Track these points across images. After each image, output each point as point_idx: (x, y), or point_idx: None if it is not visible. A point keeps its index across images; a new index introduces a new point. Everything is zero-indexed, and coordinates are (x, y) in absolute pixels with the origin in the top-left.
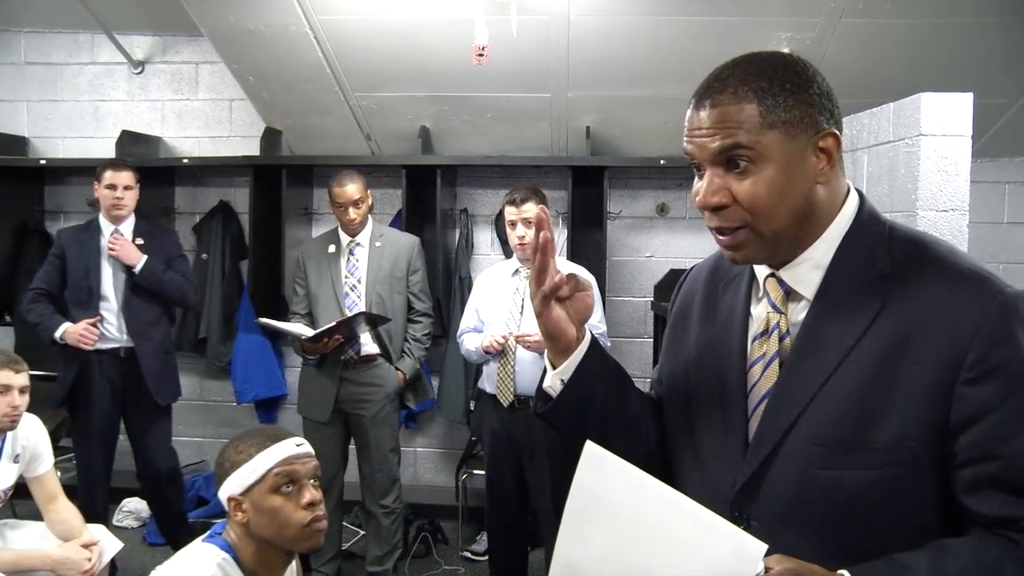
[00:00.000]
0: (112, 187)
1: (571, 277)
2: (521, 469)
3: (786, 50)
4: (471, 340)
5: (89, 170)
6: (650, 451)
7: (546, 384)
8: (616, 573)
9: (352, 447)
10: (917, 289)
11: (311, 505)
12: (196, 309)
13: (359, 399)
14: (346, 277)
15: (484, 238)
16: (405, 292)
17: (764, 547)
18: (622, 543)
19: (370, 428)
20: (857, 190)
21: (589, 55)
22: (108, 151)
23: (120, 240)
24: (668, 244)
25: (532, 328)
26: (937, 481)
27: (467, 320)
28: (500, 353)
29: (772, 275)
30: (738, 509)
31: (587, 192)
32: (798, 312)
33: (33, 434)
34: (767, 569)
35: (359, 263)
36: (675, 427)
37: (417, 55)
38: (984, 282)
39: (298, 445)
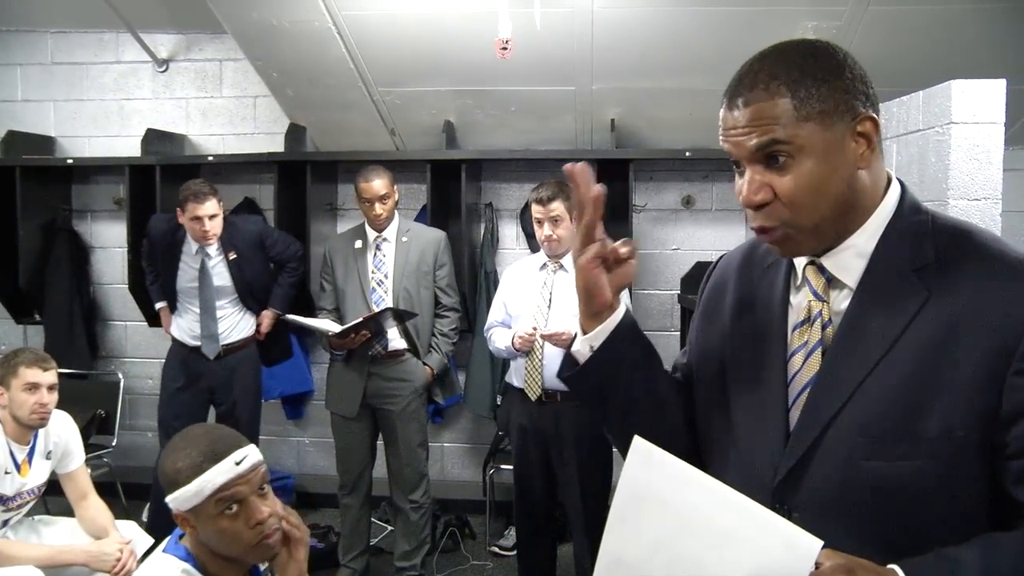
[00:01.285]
0: (198, 219)
1: (627, 242)
2: (549, 463)
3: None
4: (500, 336)
5: (116, 169)
6: (673, 432)
7: (574, 348)
8: (665, 567)
9: (380, 442)
10: (964, 279)
11: (259, 523)
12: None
13: (387, 394)
14: (373, 272)
15: (509, 232)
16: (432, 287)
17: (819, 543)
18: (671, 538)
19: (398, 423)
20: (899, 179)
21: (613, 47)
22: (134, 149)
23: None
24: (694, 236)
25: (559, 323)
26: (985, 473)
27: (494, 314)
28: (529, 348)
29: (812, 262)
30: (779, 500)
31: (612, 185)
32: (841, 300)
33: (64, 431)
34: (817, 565)
35: (386, 258)
36: (709, 413)
37: (440, 49)
38: None
39: (238, 463)
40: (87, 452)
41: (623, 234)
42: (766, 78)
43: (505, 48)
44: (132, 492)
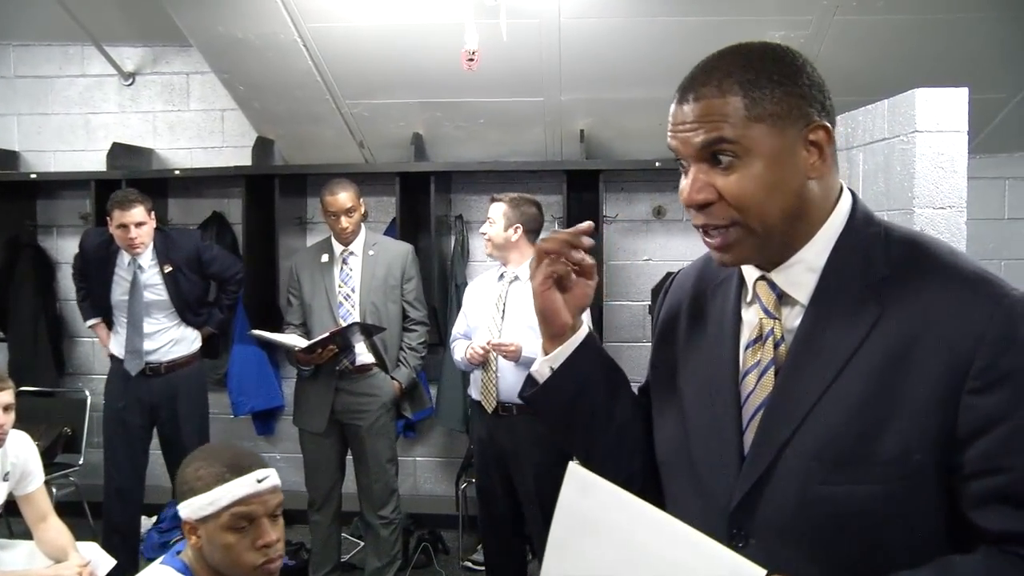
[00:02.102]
0: (123, 227)
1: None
2: (510, 476)
3: None
4: (459, 349)
5: (82, 183)
6: (636, 453)
7: (534, 368)
8: None
9: (350, 457)
10: (917, 293)
11: (266, 546)
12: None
13: (355, 409)
14: (340, 286)
15: (479, 245)
16: (400, 301)
17: (762, 572)
18: (612, 568)
19: (367, 438)
20: (850, 190)
21: (581, 58)
22: (100, 163)
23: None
24: (665, 247)
25: (512, 335)
26: (943, 495)
27: (458, 327)
28: (483, 360)
29: (763, 278)
30: (736, 525)
31: (583, 196)
32: (793, 318)
33: (23, 452)
34: None
35: (353, 272)
36: (665, 435)
37: (408, 61)
38: (988, 285)
39: (260, 480)
40: (52, 471)
41: (594, 245)
42: (720, 75)
43: (472, 59)
44: (99, 511)
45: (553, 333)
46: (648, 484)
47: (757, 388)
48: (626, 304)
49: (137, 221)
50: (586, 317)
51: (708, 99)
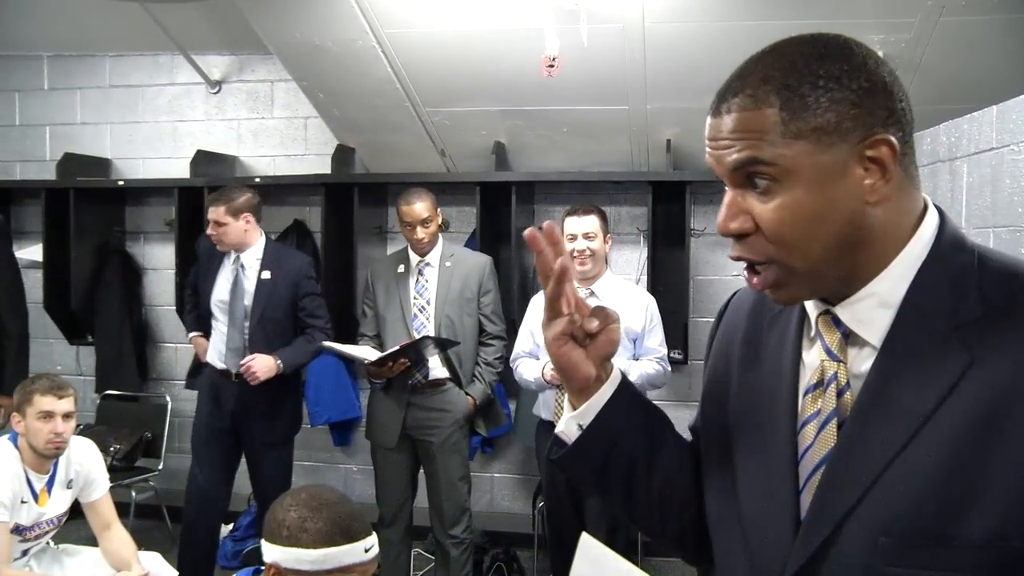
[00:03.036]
0: (209, 223)
1: (598, 312)
2: (580, 500)
3: (880, 54)
4: (527, 368)
5: (166, 190)
6: (688, 506)
7: (559, 429)
8: None
9: (422, 474)
10: (1018, 340)
11: None
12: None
13: (427, 425)
14: (415, 298)
15: None
16: (476, 314)
17: None
18: None
19: (438, 455)
20: (937, 208)
21: (667, 64)
22: (185, 171)
23: (250, 365)
24: None
25: None
26: None
27: (522, 343)
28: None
29: (827, 311)
30: None
31: (669, 208)
32: (861, 361)
33: (87, 459)
34: None
35: (428, 284)
36: (714, 488)
37: (488, 67)
38: None
39: (367, 550)
40: (133, 475)
41: (680, 259)
42: (756, 82)
43: (552, 66)
44: (178, 515)
45: (578, 388)
46: (704, 540)
47: (816, 443)
48: (706, 320)
49: (216, 220)
50: (621, 360)
51: (741, 111)
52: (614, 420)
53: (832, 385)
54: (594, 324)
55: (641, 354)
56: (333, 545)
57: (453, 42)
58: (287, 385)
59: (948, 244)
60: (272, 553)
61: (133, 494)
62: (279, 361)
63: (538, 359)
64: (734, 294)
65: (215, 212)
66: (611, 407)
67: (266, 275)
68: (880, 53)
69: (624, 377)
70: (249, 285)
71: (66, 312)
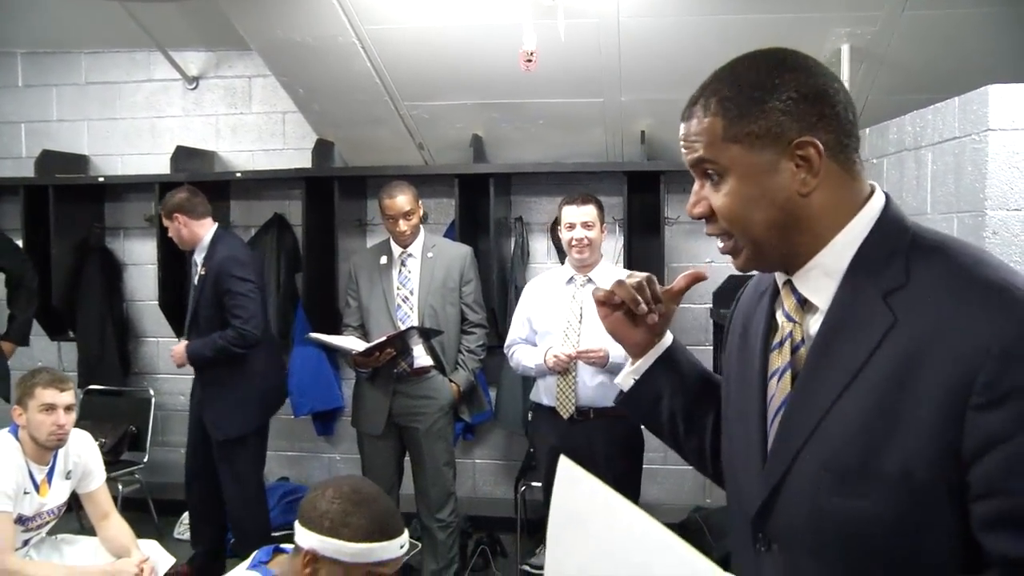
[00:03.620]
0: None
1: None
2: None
3: (845, 47)
4: (526, 354)
5: (147, 186)
6: (719, 453)
7: (618, 380)
8: None
9: (407, 460)
10: (932, 303)
11: None
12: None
13: (413, 412)
14: (398, 289)
15: (540, 246)
16: (458, 303)
17: (722, 574)
18: (594, 562)
19: (424, 441)
20: (885, 193)
21: (641, 58)
22: (164, 167)
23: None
24: None
25: (592, 339)
26: (956, 515)
27: (516, 331)
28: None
29: (788, 281)
30: (759, 530)
31: (643, 198)
32: (813, 323)
33: (85, 451)
34: None
35: (411, 274)
36: (722, 438)
37: (466, 63)
38: (1005, 294)
39: (401, 547)
40: (119, 468)
41: (655, 247)
42: (707, 95)
43: (530, 60)
44: (164, 508)
45: (632, 352)
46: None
47: (777, 392)
48: (687, 307)
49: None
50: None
51: (696, 118)
52: (659, 377)
53: (787, 342)
54: (644, 308)
55: None
56: (373, 541)
57: (432, 38)
58: (233, 380)
59: (887, 224)
60: (310, 540)
61: (120, 487)
62: (186, 350)
63: (535, 345)
64: (748, 283)
65: (163, 220)
66: (657, 367)
67: (202, 271)
68: (846, 46)
69: (671, 347)
70: (194, 280)
71: (47, 309)
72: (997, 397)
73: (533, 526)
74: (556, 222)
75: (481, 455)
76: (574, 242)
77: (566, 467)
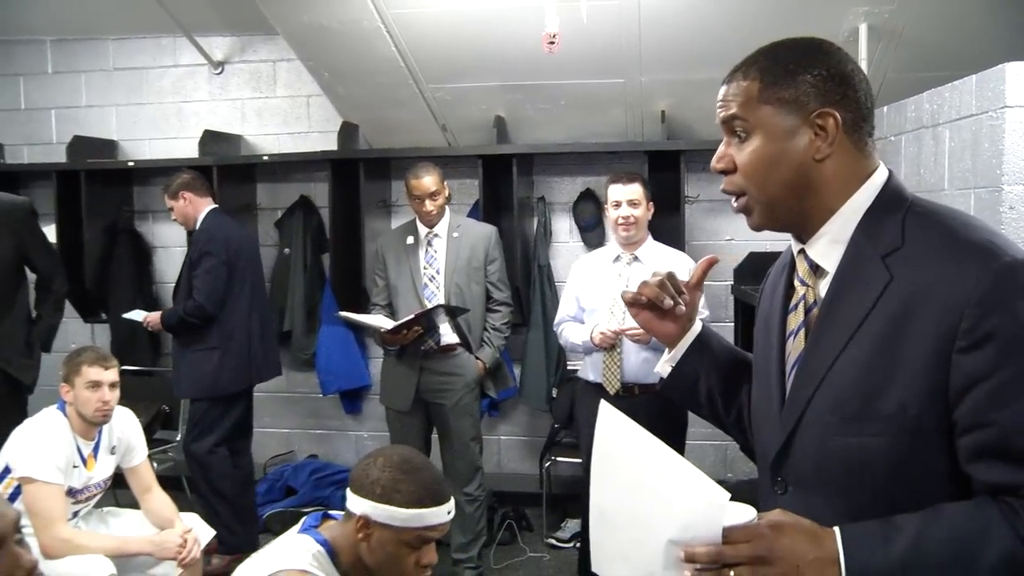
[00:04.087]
0: None
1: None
2: None
3: (863, 25)
4: (573, 331)
5: (174, 170)
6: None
7: (657, 368)
8: (625, 520)
9: (435, 436)
10: (923, 262)
11: (427, 567)
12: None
13: (439, 388)
14: (424, 268)
15: (562, 226)
16: (483, 282)
17: (727, 495)
18: (628, 493)
19: (451, 417)
20: (889, 170)
21: (661, 39)
22: (191, 151)
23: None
24: (747, 227)
25: None
26: (946, 450)
27: (566, 308)
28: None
29: (801, 249)
30: (777, 474)
31: (664, 177)
32: (824, 285)
33: (128, 427)
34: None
35: (437, 254)
36: (752, 399)
37: (489, 45)
38: (985, 251)
39: (449, 512)
40: (152, 447)
41: (675, 225)
42: (748, 63)
43: (552, 43)
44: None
45: (667, 342)
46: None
47: (792, 349)
48: (708, 284)
49: (169, 208)
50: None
51: (736, 81)
52: (693, 362)
53: (801, 304)
54: (670, 303)
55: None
56: (422, 507)
57: (455, 21)
58: (192, 346)
59: (889, 195)
60: (362, 506)
61: (154, 465)
62: (158, 317)
63: (583, 323)
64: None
65: (166, 201)
66: (690, 353)
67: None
68: (864, 24)
69: (703, 332)
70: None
71: (80, 291)
72: (977, 340)
73: (558, 500)
74: (579, 200)
75: (506, 431)
76: (620, 220)
77: (606, 410)
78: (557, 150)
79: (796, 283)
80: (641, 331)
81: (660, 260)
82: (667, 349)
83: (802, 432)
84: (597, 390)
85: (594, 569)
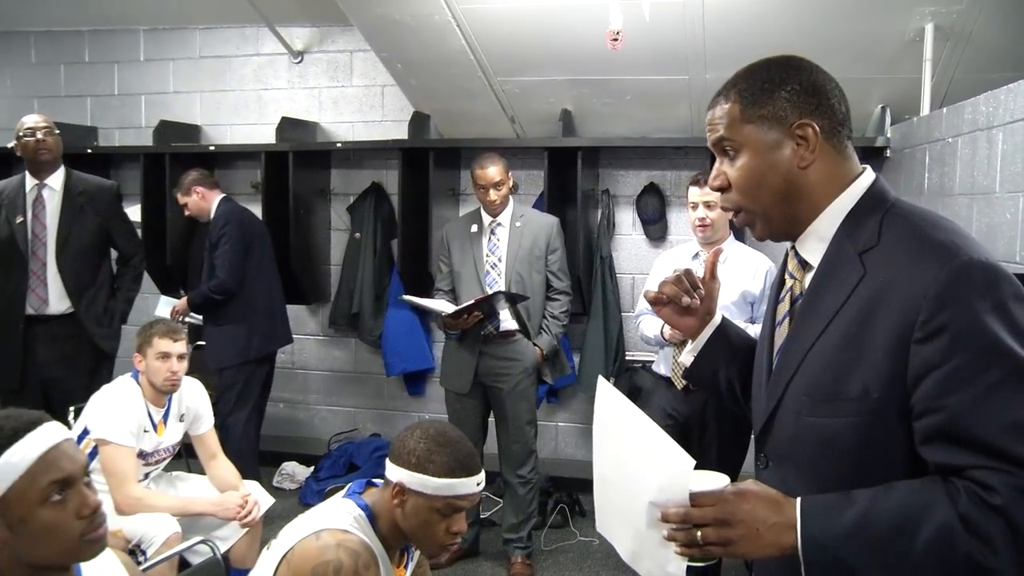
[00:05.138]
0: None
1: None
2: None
3: (929, 26)
4: (648, 324)
5: (253, 155)
6: None
7: (681, 358)
8: (617, 485)
9: (492, 420)
10: (892, 258)
11: (457, 533)
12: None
13: (498, 372)
14: (487, 256)
15: (625, 218)
16: (544, 271)
17: (692, 462)
18: (619, 461)
19: (508, 401)
20: (877, 174)
21: (725, 36)
22: (270, 136)
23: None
24: None
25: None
26: (906, 432)
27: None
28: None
29: (793, 247)
30: (760, 449)
31: None
32: (809, 279)
33: (196, 397)
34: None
35: (500, 242)
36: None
37: (556, 40)
38: (947, 250)
39: (478, 484)
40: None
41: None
42: (728, 87)
43: (616, 39)
44: (262, 458)
45: (689, 334)
46: None
47: (779, 336)
48: None
49: (181, 203)
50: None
51: (719, 105)
52: (713, 353)
53: (788, 295)
54: (687, 301)
55: (757, 317)
56: (454, 477)
57: (523, 16)
58: (220, 320)
59: (872, 197)
60: (398, 474)
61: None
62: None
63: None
64: None
65: (178, 198)
66: (709, 345)
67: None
68: (931, 25)
69: (721, 324)
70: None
71: (161, 268)
72: (931, 332)
73: None
74: (642, 193)
75: (564, 419)
76: (697, 222)
77: (603, 386)
78: (622, 144)
79: (786, 276)
80: None
81: (738, 259)
82: (690, 340)
83: (781, 412)
84: (667, 384)
85: (598, 528)
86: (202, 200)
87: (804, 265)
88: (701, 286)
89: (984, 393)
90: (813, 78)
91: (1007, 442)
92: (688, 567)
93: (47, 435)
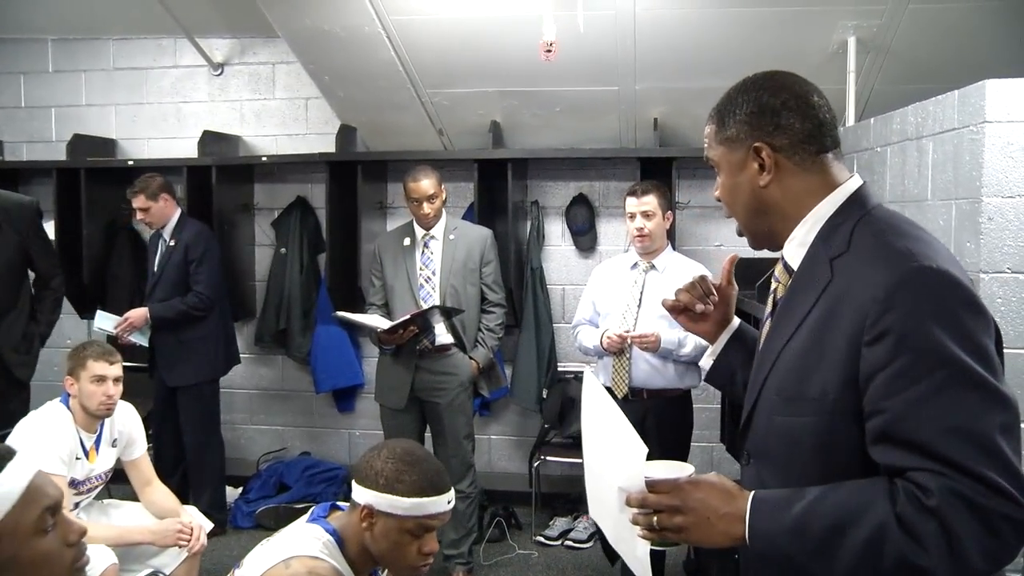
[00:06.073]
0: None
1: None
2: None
3: (851, 39)
4: (587, 335)
5: (174, 169)
6: None
7: (702, 362)
8: (597, 472)
9: (428, 434)
10: (855, 265)
11: (428, 554)
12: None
13: (434, 387)
14: (421, 269)
15: (555, 229)
16: (478, 283)
17: (645, 450)
18: (598, 449)
19: (445, 415)
20: (864, 181)
21: (656, 48)
22: (191, 150)
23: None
24: (735, 233)
25: (648, 324)
26: (861, 432)
27: (582, 312)
28: (620, 348)
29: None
30: (742, 446)
31: (656, 183)
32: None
33: (128, 421)
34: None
35: (433, 256)
36: None
37: (487, 52)
38: (901, 256)
39: (449, 502)
40: (149, 442)
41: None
42: (714, 109)
43: (549, 51)
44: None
45: (708, 338)
46: None
47: (762, 337)
48: None
49: (139, 207)
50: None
51: (707, 125)
52: (730, 356)
53: (770, 298)
54: (701, 307)
55: None
56: (425, 496)
57: (455, 28)
58: (184, 336)
59: (850, 205)
60: (366, 496)
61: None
62: (148, 313)
63: (597, 327)
64: None
65: (137, 200)
66: (727, 348)
67: (172, 243)
68: (853, 37)
69: (739, 329)
70: (157, 253)
71: (78, 287)
72: (877, 335)
73: (546, 500)
74: (571, 204)
75: (497, 431)
76: (635, 232)
77: (589, 380)
78: (552, 155)
79: (773, 280)
80: (649, 338)
81: (675, 269)
82: (709, 345)
83: (758, 410)
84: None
85: (591, 515)
86: (166, 208)
87: (788, 269)
88: (715, 292)
89: (924, 396)
90: (769, 99)
91: (945, 446)
92: (652, 551)
93: (27, 462)
